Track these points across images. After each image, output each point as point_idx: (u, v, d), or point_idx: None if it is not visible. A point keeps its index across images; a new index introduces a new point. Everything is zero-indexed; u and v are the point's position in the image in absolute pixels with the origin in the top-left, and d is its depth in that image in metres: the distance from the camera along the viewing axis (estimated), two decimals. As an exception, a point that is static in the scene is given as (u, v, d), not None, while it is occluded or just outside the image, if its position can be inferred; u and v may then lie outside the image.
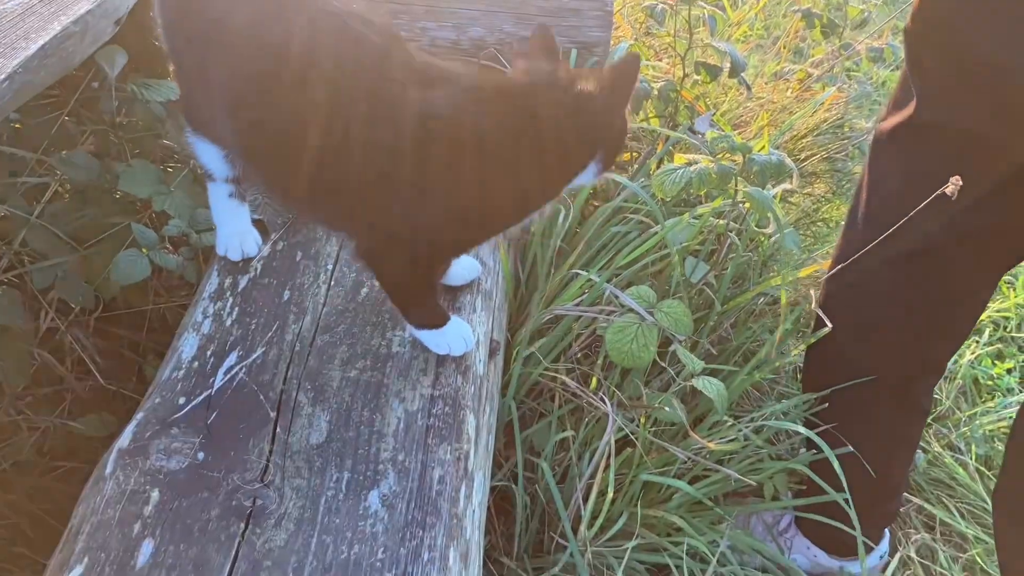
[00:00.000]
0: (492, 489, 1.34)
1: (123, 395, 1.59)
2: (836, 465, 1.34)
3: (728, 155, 1.30)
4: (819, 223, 2.00)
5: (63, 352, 1.55)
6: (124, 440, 1.09)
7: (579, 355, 1.46)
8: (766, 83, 2.09)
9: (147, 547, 0.98)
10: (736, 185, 1.28)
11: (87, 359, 1.52)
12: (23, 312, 1.43)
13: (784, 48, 2.16)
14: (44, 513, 1.49)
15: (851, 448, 1.43)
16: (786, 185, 1.33)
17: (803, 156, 1.94)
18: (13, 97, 1.08)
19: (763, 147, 1.55)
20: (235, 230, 1.34)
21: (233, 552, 0.97)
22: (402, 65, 1.03)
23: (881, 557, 1.69)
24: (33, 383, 1.52)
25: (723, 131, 1.51)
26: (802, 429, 1.37)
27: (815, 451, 1.44)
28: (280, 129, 1.06)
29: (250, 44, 1.05)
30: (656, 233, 1.35)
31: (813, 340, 1.41)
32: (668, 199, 1.28)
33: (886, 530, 1.68)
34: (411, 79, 1.02)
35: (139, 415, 1.12)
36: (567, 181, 1.09)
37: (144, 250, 1.35)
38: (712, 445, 1.24)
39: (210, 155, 1.25)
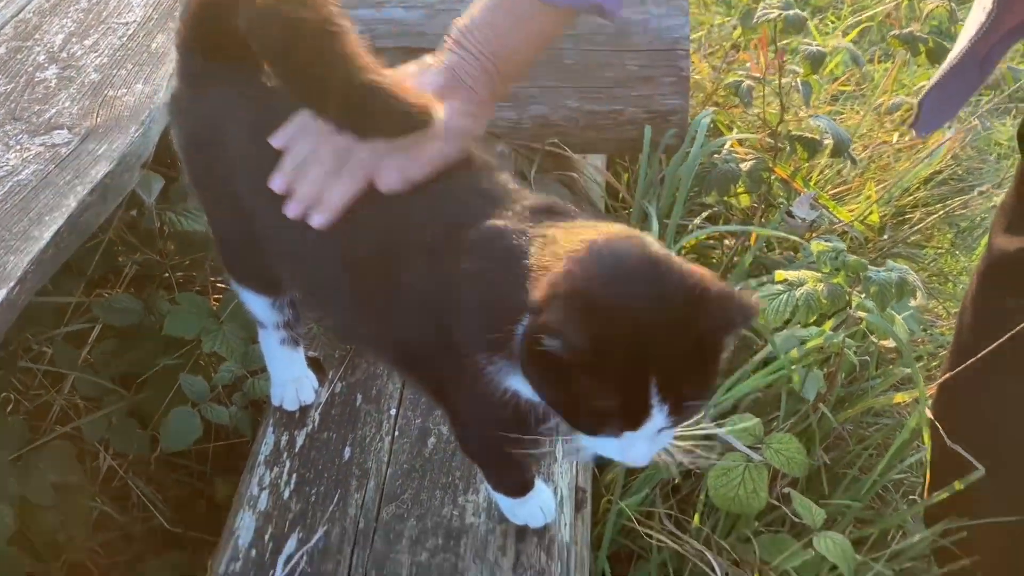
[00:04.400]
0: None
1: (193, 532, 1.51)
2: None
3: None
4: (938, 277, 1.78)
5: (127, 495, 1.47)
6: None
7: (678, 480, 1.31)
8: (866, 131, 1.85)
9: None
10: (850, 302, 1.10)
11: (148, 504, 1.43)
12: (78, 466, 1.36)
13: (887, 83, 1.90)
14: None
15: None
16: (912, 304, 1.15)
17: (917, 215, 1.72)
18: (30, 292, 0.98)
19: (872, 213, 1.36)
20: (290, 377, 1.23)
21: None
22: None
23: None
24: (97, 530, 1.45)
25: (826, 209, 1.32)
26: None
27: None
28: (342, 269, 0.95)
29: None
30: (764, 360, 1.18)
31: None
32: (771, 327, 1.11)
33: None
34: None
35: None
36: None
37: (194, 405, 1.25)
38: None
39: (258, 305, 1.14)
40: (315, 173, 0.90)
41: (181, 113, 1.04)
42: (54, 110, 1.21)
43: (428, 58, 0.97)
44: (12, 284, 0.92)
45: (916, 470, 1.48)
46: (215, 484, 1.54)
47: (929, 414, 1.21)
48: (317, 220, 0.90)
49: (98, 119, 1.19)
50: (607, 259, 0.74)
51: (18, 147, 1.13)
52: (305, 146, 0.92)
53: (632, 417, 0.73)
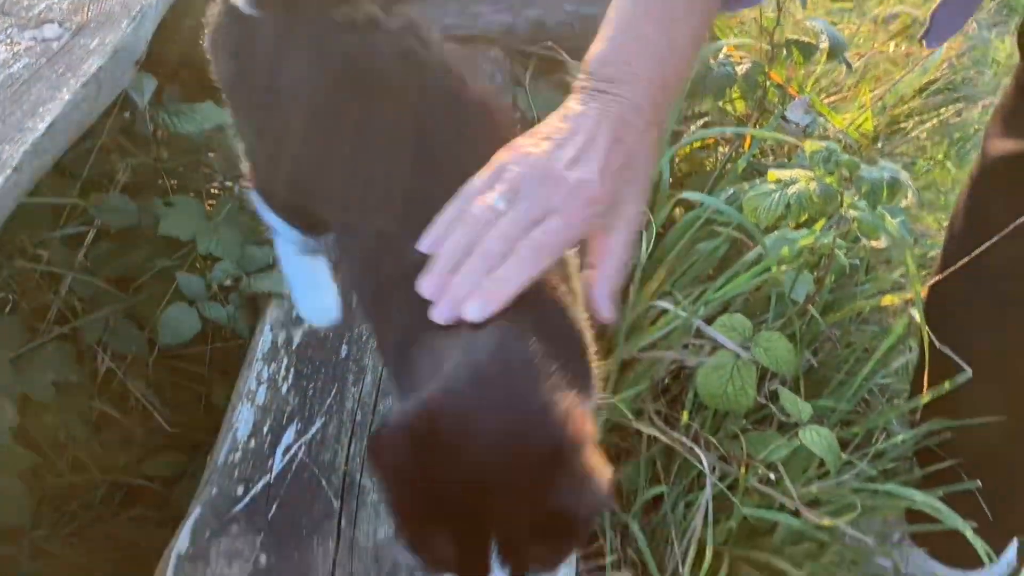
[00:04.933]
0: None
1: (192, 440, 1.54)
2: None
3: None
4: (930, 189, 1.78)
5: (126, 396, 1.49)
6: (182, 544, 1.02)
7: (667, 380, 1.33)
8: (863, 40, 1.84)
9: None
10: (842, 202, 1.10)
11: (147, 405, 1.45)
12: (77, 366, 1.38)
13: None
14: (120, 561, 1.46)
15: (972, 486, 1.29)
16: (904, 203, 1.16)
17: (911, 124, 1.72)
18: (27, 183, 0.98)
19: (866, 120, 1.36)
20: (317, 291, 1.12)
21: None
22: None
23: (1008, 565, 1.55)
24: (97, 430, 1.48)
25: (820, 115, 1.32)
26: (917, 496, 1.23)
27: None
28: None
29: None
30: (753, 261, 1.19)
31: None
32: (762, 226, 1.12)
33: (1014, 539, 1.54)
34: None
35: (196, 510, 1.05)
36: None
37: (191, 304, 1.26)
38: (825, 522, 1.11)
39: (287, 231, 1.04)
40: (476, 264, 0.69)
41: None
42: (44, 4, 1.19)
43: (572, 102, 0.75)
44: (8, 172, 0.92)
45: (902, 375, 1.51)
46: (213, 387, 1.56)
47: (917, 316, 1.23)
48: (473, 311, 0.67)
49: (89, 14, 1.18)
50: (466, 395, 0.62)
51: (8, 41, 1.12)
52: (462, 236, 0.71)
53: (467, 570, 0.62)
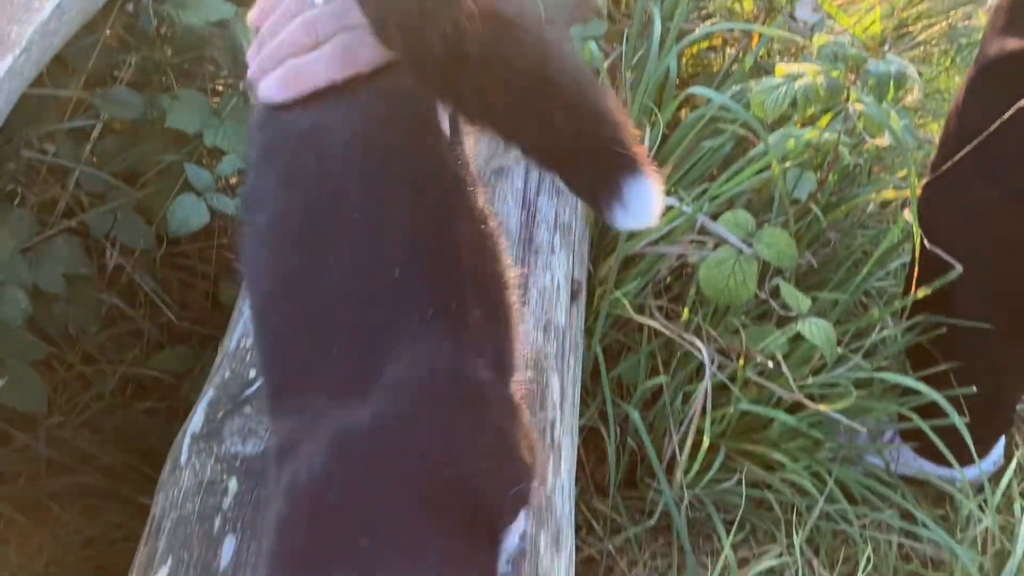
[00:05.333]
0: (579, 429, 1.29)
1: (200, 332, 1.57)
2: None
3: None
4: (935, 98, 1.78)
5: (134, 290, 1.52)
6: (196, 423, 1.05)
7: (669, 280, 1.35)
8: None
9: (229, 545, 0.95)
10: (848, 96, 1.11)
11: (156, 299, 1.48)
12: (86, 258, 1.39)
13: None
14: (132, 450, 1.50)
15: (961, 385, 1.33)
16: (909, 98, 1.16)
17: (919, 27, 1.70)
18: (35, 66, 0.98)
19: (874, 23, 1.36)
20: None
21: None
22: None
23: (995, 463, 1.60)
24: (107, 325, 1.50)
25: (828, 16, 1.31)
26: (909, 382, 1.26)
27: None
28: None
29: None
30: (757, 158, 1.20)
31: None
32: (768, 120, 1.12)
33: (1001, 436, 1.59)
34: None
35: (209, 392, 1.08)
36: None
37: (200, 194, 1.27)
38: (821, 407, 1.14)
39: None
40: (275, 49, 0.71)
41: None
42: None
43: None
44: (17, 52, 0.92)
45: (899, 278, 1.53)
46: (219, 284, 1.59)
47: (908, 218, 1.25)
48: (265, 90, 0.69)
49: None
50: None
51: (11, -78, 1.11)
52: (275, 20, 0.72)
53: None
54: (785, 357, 1.22)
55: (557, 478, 1.03)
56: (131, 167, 1.41)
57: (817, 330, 1.12)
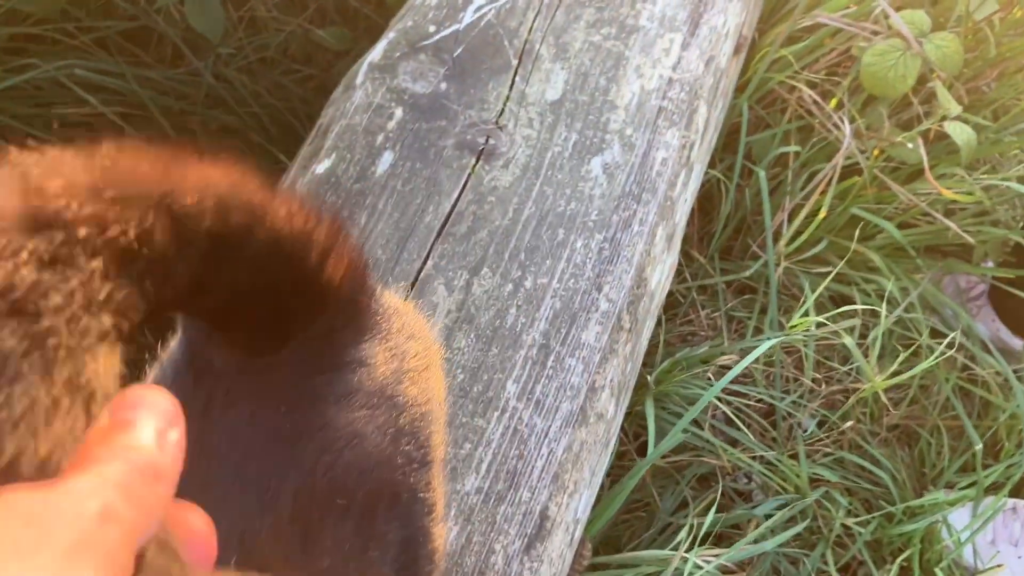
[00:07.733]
0: (700, 186, 1.35)
1: (364, 14, 1.64)
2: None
3: None
4: None
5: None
6: (375, 55, 1.14)
7: (824, 71, 1.38)
8: None
9: (387, 157, 1.05)
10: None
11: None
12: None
13: None
14: (282, 109, 1.61)
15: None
16: None
17: None
18: None
19: None
20: None
21: (463, 182, 1.04)
22: None
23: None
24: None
25: None
26: None
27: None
28: None
29: None
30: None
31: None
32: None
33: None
34: None
35: (391, 34, 1.16)
36: None
37: None
38: (948, 193, 1.18)
39: None
40: None
41: None
42: None
43: None
44: None
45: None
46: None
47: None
48: None
49: None
50: None
51: None
52: None
53: None
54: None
55: (684, 191, 1.11)
56: None
57: (961, 130, 1.16)
